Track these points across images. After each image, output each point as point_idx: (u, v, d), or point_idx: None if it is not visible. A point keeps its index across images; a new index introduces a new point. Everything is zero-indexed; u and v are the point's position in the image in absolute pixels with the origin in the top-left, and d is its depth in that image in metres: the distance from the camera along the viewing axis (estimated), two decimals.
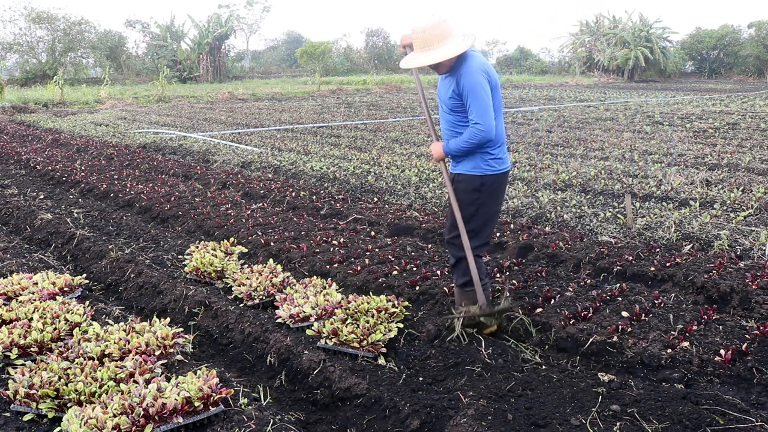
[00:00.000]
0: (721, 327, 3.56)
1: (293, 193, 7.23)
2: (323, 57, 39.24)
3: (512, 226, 5.70)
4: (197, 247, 5.14)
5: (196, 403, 2.68)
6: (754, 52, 40.63)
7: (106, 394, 2.78)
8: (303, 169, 8.65)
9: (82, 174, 8.62)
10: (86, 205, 7.22)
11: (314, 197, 7.05)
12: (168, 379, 2.96)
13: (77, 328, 3.52)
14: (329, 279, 4.45)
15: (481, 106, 3.38)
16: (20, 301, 3.87)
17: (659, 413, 2.69)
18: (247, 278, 4.40)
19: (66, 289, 4.23)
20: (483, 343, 3.48)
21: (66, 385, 2.84)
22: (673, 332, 3.49)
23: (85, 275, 4.71)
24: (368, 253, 5.03)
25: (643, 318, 3.70)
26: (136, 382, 2.88)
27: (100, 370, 2.93)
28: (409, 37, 3.75)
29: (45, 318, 3.55)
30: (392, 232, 5.77)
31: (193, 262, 4.80)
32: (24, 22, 34.93)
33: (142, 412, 2.60)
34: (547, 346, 3.61)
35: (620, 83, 36.16)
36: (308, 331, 3.63)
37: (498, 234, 5.41)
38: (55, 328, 3.44)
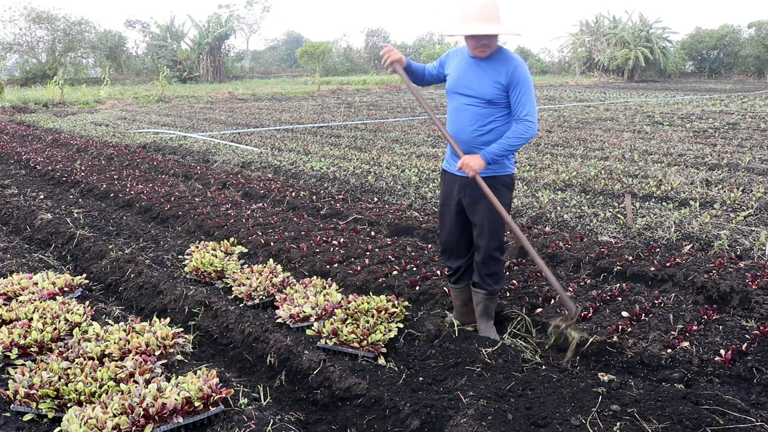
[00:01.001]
0: (721, 327, 3.56)
1: (293, 193, 7.23)
2: (323, 57, 39.22)
3: None
4: (197, 247, 5.14)
5: (196, 403, 2.68)
6: (754, 52, 40.64)
7: (106, 394, 2.77)
8: (303, 169, 8.65)
9: (82, 174, 8.61)
10: (86, 205, 7.22)
11: (314, 197, 7.05)
12: (168, 379, 2.96)
13: (77, 328, 3.51)
14: (329, 279, 4.45)
15: (533, 101, 3.35)
16: (20, 301, 3.86)
17: (659, 413, 2.69)
18: (247, 278, 4.39)
19: (66, 289, 4.23)
20: (483, 343, 3.48)
21: (66, 385, 2.84)
22: (673, 332, 3.49)
23: (85, 275, 4.71)
24: (368, 253, 5.03)
25: (643, 318, 3.70)
26: (136, 382, 2.88)
27: (100, 370, 2.93)
28: (393, 51, 3.58)
29: (45, 318, 3.55)
30: (392, 232, 5.77)
31: (193, 262, 4.80)
32: (24, 22, 34.93)
33: (142, 412, 2.59)
34: (547, 346, 3.61)
35: (620, 83, 36.16)
36: (308, 331, 3.63)
37: None
38: (55, 328, 3.44)
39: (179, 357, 3.33)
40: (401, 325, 3.68)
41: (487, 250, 3.57)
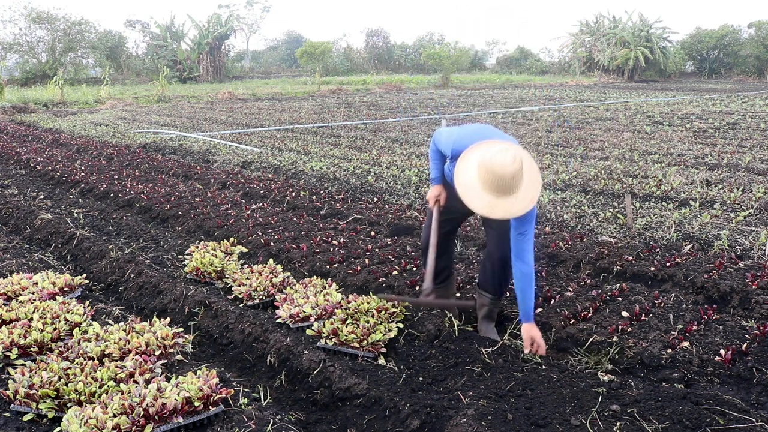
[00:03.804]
0: (721, 327, 3.56)
1: (293, 193, 7.23)
2: (323, 57, 39.19)
3: None
4: (197, 247, 5.14)
5: (196, 403, 2.68)
6: (754, 52, 40.68)
7: (106, 394, 2.77)
8: (303, 169, 8.65)
9: (82, 174, 8.61)
10: (86, 205, 7.22)
11: (314, 197, 7.05)
12: (168, 379, 2.95)
13: (77, 328, 3.51)
14: (329, 279, 4.45)
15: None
16: (20, 301, 3.86)
17: (659, 413, 2.69)
18: (247, 278, 4.39)
19: (66, 289, 4.23)
20: (483, 343, 3.48)
21: (66, 385, 2.84)
22: (673, 332, 3.49)
23: (85, 275, 4.70)
24: (368, 253, 5.03)
25: (643, 318, 3.70)
26: (136, 382, 2.88)
27: (100, 370, 2.93)
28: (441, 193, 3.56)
29: (45, 318, 3.55)
30: (392, 232, 5.77)
31: (193, 262, 4.80)
32: (24, 22, 34.96)
33: (142, 412, 2.59)
34: (547, 346, 3.60)
35: (620, 83, 36.16)
36: (308, 331, 3.63)
37: None
38: (55, 328, 3.44)
39: (179, 357, 3.33)
40: (401, 325, 3.68)
41: (506, 257, 3.57)
